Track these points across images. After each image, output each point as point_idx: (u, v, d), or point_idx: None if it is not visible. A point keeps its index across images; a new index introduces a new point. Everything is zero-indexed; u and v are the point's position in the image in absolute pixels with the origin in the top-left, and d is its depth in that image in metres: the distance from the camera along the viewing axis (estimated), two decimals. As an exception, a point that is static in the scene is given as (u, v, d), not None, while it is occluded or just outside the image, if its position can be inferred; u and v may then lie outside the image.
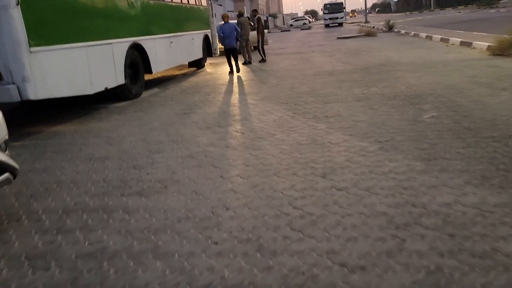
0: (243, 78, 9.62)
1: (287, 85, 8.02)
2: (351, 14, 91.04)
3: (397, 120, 4.81)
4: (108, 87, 6.61)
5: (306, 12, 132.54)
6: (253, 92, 7.59)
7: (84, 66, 5.89)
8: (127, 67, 7.30)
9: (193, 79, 10.24)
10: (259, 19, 13.19)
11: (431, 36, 16.04)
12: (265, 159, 3.83)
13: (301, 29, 45.60)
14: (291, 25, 57.79)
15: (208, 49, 13.13)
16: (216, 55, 13.98)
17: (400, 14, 67.87)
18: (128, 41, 7.35)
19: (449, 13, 45.59)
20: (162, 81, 10.38)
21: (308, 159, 3.74)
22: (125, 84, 7.25)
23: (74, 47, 5.68)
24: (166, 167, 3.81)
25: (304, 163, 3.63)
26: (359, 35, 22.44)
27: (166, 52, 9.23)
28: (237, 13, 12.71)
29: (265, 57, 13.24)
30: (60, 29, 5.48)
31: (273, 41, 26.50)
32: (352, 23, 49.19)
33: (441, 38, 14.86)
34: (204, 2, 12.70)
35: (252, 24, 13.53)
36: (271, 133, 4.72)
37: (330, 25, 44.88)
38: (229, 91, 8.01)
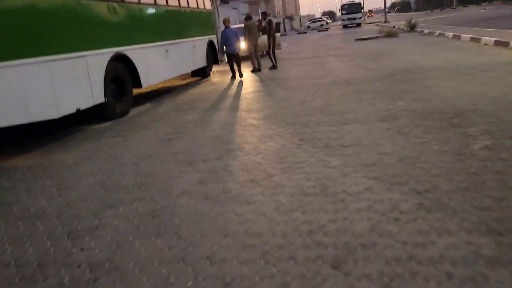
0: (248, 90, 8.51)
1: (297, 99, 6.86)
2: (368, 14, 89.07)
3: (437, 152, 3.59)
4: (82, 108, 5.58)
5: (324, 13, 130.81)
6: (256, 108, 6.46)
7: (46, 86, 4.86)
8: (108, 82, 6.28)
9: (193, 91, 9.18)
10: (270, 22, 12.05)
11: (459, 36, 14.57)
12: (252, 223, 2.68)
13: (318, 31, 44.31)
14: (308, 27, 56.53)
15: (213, 57, 12.09)
16: (223, 62, 12.92)
17: (421, 12, 65.61)
18: (109, 52, 6.33)
19: (474, 10, 43.49)
20: (159, 94, 9.37)
21: (313, 224, 2.57)
22: (106, 103, 6.24)
23: (30, 63, 4.67)
24: (112, 236, 2.71)
25: (308, 234, 2.46)
26: (379, 36, 21.06)
27: (160, 62, 8.20)
28: (245, 16, 11.64)
29: (276, 63, 12.10)
30: (9, 41, 4.48)
31: (288, 44, 25.36)
32: (370, 23, 47.57)
33: (471, 37, 13.40)
34: (208, 5, 11.67)
35: (263, 26, 12.40)
36: (268, 172, 3.57)
37: (348, 25, 44.19)
38: (230, 106, 6.90)
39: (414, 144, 3.90)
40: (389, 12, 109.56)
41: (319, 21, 58.78)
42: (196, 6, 10.60)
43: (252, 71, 11.69)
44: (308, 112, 5.78)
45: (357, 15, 44.08)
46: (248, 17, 11.54)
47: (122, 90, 6.87)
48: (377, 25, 38.53)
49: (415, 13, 72.66)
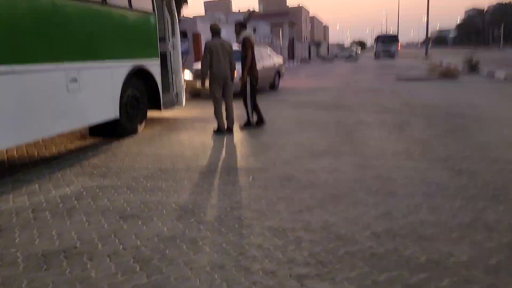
0: (123, 231, 2.90)
1: None
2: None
3: None
4: None
5: (354, 42, 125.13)
6: None
7: None
8: None
9: (32, 201, 3.60)
10: (247, 41, 6.19)
11: None
12: None
13: (346, 61, 38.85)
14: (336, 56, 50.89)
15: (150, 98, 6.59)
16: (175, 106, 7.36)
17: (462, 49, 59.18)
18: None
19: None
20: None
21: None
22: None
23: None
24: None
25: None
26: (430, 78, 15.22)
27: None
28: (210, 28, 6.16)
29: (262, 117, 6.57)
30: None
31: (305, 75, 19.79)
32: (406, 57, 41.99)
33: None
34: (146, 4, 6.27)
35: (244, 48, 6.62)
36: None
37: (381, 57, 42.04)
38: None
39: None
40: (420, 46, 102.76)
41: (348, 50, 53.14)
42: (102, 0, 5.20)
43: (216, 132, 6.15)
44: None
45: (392, 48, 43.15)
46: (214, 31, 6.04)
47: None
48: (415, 58, 32.83)
49: (451, 49, 66.31)
